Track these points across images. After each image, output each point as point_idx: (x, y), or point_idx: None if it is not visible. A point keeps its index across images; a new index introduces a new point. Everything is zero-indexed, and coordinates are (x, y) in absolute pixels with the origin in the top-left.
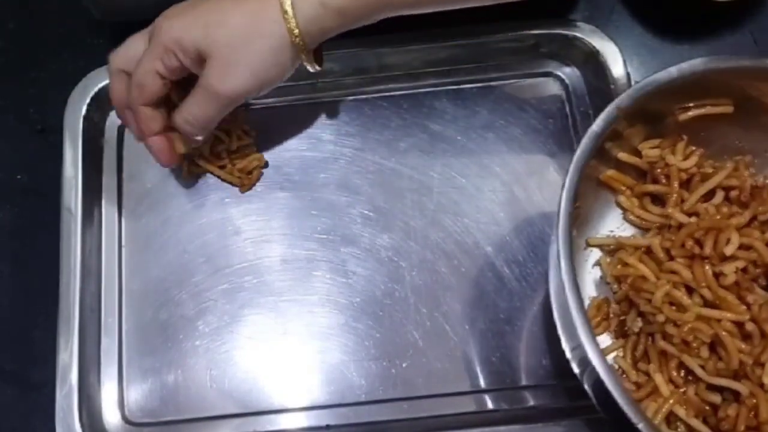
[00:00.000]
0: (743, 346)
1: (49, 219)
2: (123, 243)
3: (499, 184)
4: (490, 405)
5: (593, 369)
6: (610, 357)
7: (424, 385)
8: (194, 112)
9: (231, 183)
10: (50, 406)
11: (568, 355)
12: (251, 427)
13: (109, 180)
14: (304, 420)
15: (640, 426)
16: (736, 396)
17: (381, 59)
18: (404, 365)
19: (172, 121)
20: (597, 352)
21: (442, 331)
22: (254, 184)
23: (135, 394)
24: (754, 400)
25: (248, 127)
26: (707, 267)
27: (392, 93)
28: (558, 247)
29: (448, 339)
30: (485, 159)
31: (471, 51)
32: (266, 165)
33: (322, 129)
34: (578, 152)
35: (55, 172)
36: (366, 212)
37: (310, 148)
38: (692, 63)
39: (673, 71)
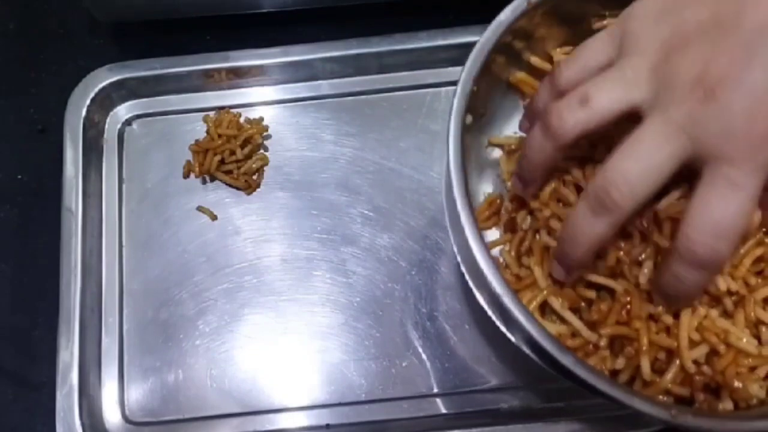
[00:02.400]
0: (622, 244)
1: (49, 219)
2: (123, 243)
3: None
4: (490, 404)
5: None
6: (495, 250)
7: (424, 385)
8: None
9: (237, 188)
10: (50, 405)
11: (455, 248)
12: (251, 427)
13: (109, 180)
14: (304, 419)
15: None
16: (611, 294)
17: (381, 59)
18: (404, 365)
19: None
20: (480, 247)
21: (442, 331)
22: (259, 185)
23: (135, 394)
24: (628, 298)
25: (266, 128)
26: (598, 168)
27: (392, 93)
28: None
29: (448, 339)
30: None
31: (471, 51)
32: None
33: (322, 129)
34: (480, 41)
35: (56, 172)
36: (366, 212)
37: (310, 148)
38: None
39: None
